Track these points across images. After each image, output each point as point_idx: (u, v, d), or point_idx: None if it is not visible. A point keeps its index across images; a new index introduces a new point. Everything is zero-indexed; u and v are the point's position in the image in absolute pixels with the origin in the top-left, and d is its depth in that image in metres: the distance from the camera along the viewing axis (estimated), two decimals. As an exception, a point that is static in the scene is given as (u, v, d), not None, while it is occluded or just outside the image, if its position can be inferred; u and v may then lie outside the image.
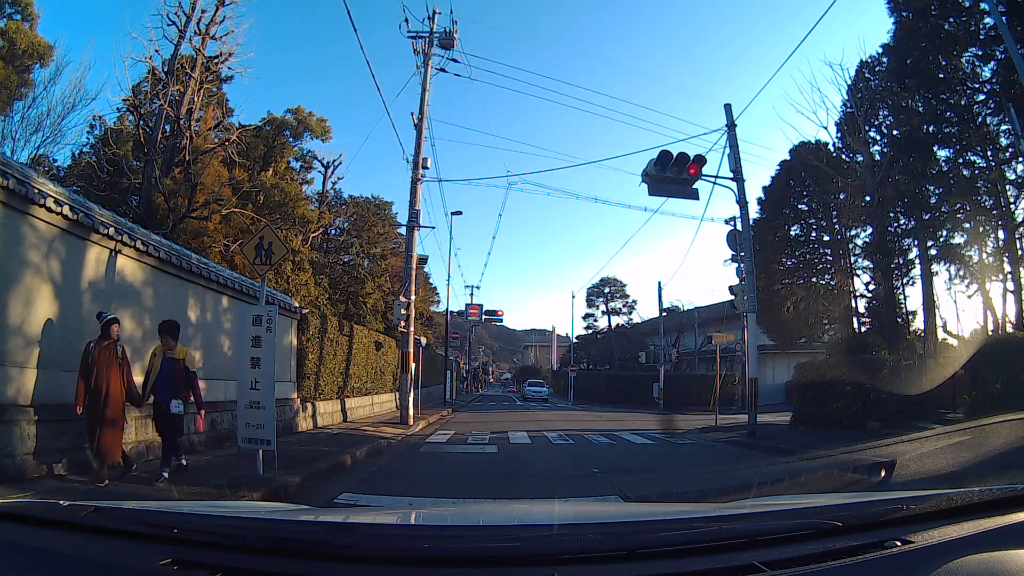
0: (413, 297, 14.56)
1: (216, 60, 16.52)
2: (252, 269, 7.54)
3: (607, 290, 44.76)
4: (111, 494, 4.93)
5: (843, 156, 17.29)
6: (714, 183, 13.07)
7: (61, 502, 1.49)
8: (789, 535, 1.33)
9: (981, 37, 12.94)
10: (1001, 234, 13.53)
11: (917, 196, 14.43)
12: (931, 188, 14.57)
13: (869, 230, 16.54)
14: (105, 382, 5.41)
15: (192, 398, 6.08)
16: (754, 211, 17.93)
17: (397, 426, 13.25)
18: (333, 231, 26.33)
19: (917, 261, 15.55)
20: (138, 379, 7.04)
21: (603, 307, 45.29)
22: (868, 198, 15.66)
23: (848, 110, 16.27)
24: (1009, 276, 13.21)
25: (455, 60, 15.53)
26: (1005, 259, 13.48)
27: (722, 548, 1.27)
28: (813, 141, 17.94)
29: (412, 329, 14.26)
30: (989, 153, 13.68)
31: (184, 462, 6.06)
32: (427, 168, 14.98)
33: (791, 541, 1.30)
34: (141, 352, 7.18)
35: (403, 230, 18.34)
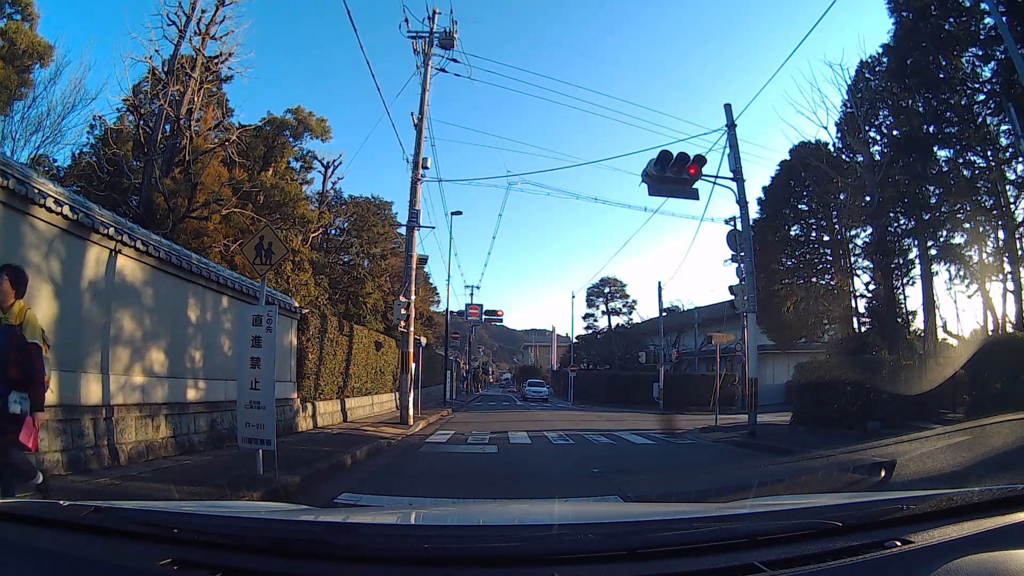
0: (413, 297, 14.55)
1: (216, 60, 16.52)
2: (252, 269, 7.54)
3: (607, 290, 44.78)
4: (111, 494, 4.93)
5: (843, 156, 17.30)
6: (714, 183, 13.07)
7: (61, 502, 1.49)
8: (789, 535, 1.33)
9: (981, 37, 12.95)
10: (1001, 234, 13.55)
11: (917, 196, 14.44)
12: (931, 188, 14.59)
13: (869, 230, 16.58)
14: None
15: (31, 388, 3.80)
16: (754, 211, 17.98)
17: (397, 426, 13.25)
18: (333, 231, 26.34)
19: (917, 261, 15.57)
20: (139, 379, 7.08)
21: (603, 307, 45.32)
22: (868, 198, 15.67)
23: (848, 110, 16.28)
24: (1009, 276, 13.24)
25: (455, 60, 15.55)
26: (1005, 259, 13.50)
27: (722, 548, 1.27)
28: (813, 141, 17.98)
29: (412, 329, 14.26)
30: (989, 153, 13.69)
31: (40, 479, 4.00)
32: (427, 168, 14.99)
33: (791, 541, 1.30)
34: (141, 353, 7.20)
35: (403, 230, 18.35)
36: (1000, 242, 13.63)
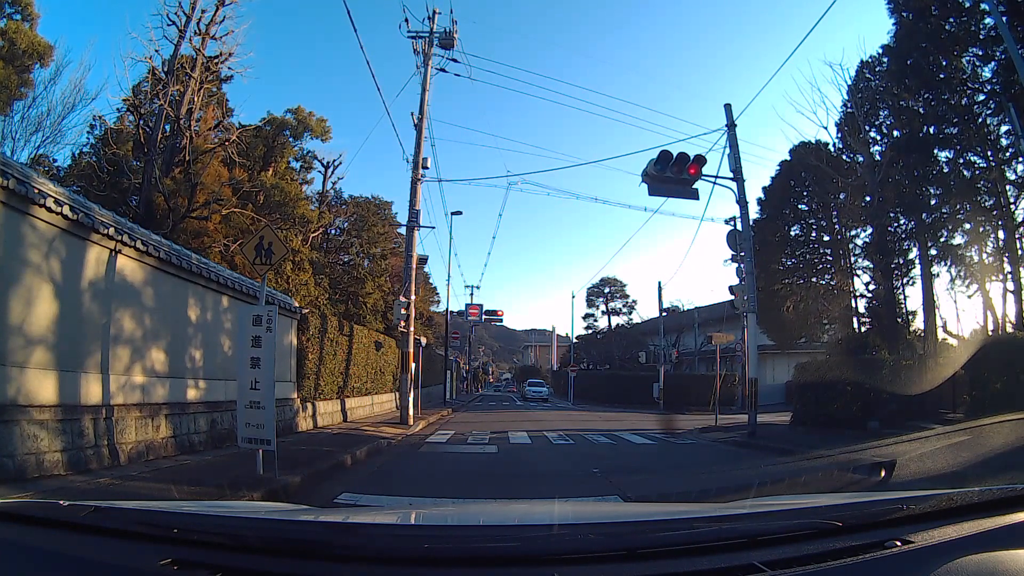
0: (413, 297, 14.56)
1: (216, 60, 16.52)
2: (252, 269, 7.53)
3: (607, 290, 44.78)
4: (111, 494, 4.93)
5: (843, 156, 17.29)
6: (714, 183, 13.07)
7: (61, 502, 1.49)
8: (789, 535, 1.33)
9: (981, 37, 12.94)
10: (1001, 234, 13.55)
11: (917, 196, 14.43)
12: (931, 188, 14.58)
13: (869, 230, 16.57)
14: None
15: None
16: (754, 211, 17.98)
17: (397, 426, 13.25)
18: (333, 231, 26.34)
19: (917, 261, 15.57)
20: (139, 379, 7.09)
21: (603, 307, 45.33)
22: (868, 198, 15.67)
23: (848, 110, 16.28)
24: (1009, 276, 13.23)
25: (455, 60, 15.56)
26: (1005, 259, 13.50)
27: (722, 548, 1.27)
28: (813, 141, 17.97)
29: (412, 329, 14.26)
30: (989, 153, 13.69)
31: None
32: (427, 168, 14.99)
33: (791, 541, 1.30)
34: (141, 353, 7.21)
35: (403, 230, 18.36)
36: (1000, 242, 13.63)
